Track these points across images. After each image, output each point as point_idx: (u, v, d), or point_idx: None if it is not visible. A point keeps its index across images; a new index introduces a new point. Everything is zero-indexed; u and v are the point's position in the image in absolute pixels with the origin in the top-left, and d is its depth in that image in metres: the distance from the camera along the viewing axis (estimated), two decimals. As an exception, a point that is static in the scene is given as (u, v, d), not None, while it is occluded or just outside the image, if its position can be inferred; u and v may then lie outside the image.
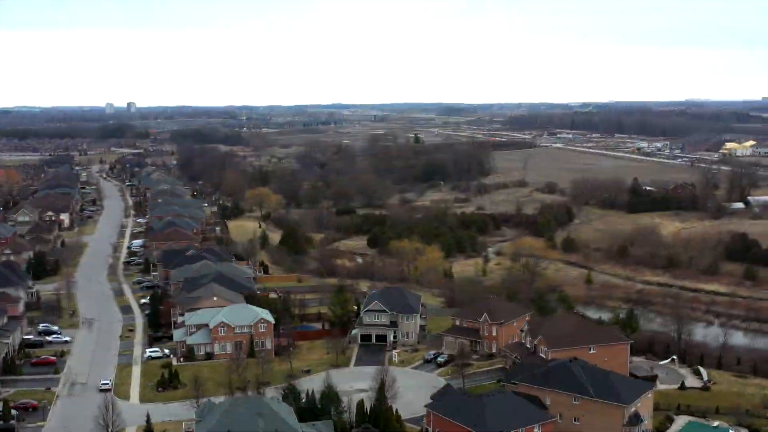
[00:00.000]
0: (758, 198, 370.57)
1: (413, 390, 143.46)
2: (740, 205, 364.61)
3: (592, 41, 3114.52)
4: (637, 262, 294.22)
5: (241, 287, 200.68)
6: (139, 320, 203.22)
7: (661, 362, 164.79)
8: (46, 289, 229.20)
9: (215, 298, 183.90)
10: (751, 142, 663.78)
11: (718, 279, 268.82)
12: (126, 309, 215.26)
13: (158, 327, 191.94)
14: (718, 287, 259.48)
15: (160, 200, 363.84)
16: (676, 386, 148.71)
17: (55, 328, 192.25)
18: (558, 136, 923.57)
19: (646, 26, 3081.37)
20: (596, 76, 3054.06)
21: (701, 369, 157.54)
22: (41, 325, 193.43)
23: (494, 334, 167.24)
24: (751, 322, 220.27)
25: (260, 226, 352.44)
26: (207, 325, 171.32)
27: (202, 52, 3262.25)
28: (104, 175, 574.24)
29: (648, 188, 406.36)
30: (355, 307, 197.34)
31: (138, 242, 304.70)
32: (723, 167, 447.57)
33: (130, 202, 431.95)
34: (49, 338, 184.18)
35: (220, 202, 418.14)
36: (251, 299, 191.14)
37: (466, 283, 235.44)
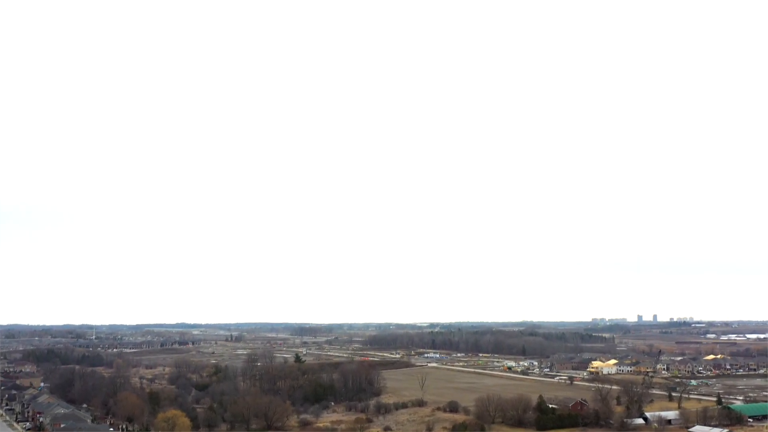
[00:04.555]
0: (654, 413, 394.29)
1: None
2: (641, 420, 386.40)
3: (435, 265, 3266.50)
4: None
5: None
6: None
7: None
8: None
9: None
10: (614, 361, 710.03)
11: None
12: None
13: None
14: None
15: (63, 425, 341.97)
16: None
17: None
18: (425, 355, 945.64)
19: (483, 249, 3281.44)
20: (438, 297, 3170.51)
21: None
22: None
23: None
24: None
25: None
26: None
27: (31, 268, 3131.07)
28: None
29: (551, 406, 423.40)
30: None
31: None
32: (614, 386, 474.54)
33: (18, 427, 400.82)
34: None
35: (124, 426, 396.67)
36: None
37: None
